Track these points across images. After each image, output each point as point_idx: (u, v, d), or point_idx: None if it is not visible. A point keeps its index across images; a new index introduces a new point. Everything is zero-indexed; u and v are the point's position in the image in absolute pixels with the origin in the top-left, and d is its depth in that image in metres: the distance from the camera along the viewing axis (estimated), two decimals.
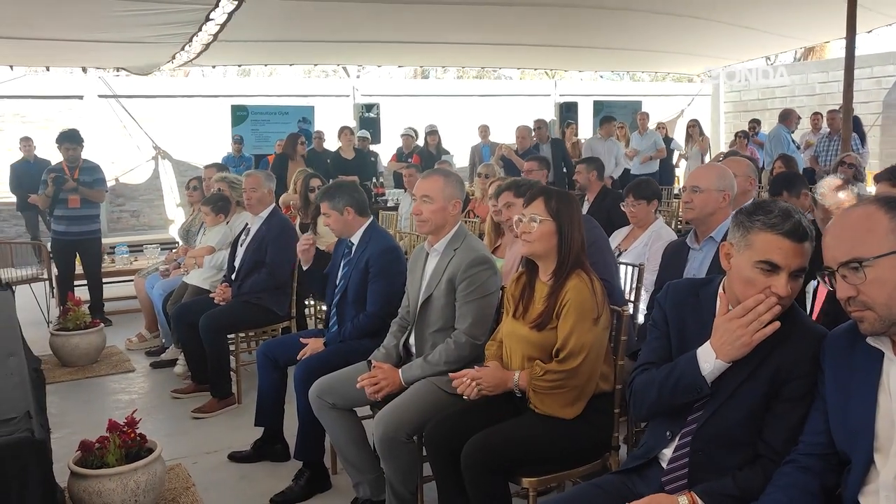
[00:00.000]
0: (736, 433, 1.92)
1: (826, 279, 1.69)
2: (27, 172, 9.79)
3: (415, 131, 10.99)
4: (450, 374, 2.76)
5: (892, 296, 1.61)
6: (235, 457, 3.97)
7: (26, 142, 10.34)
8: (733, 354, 1.88)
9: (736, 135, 11.29)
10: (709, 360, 1.91)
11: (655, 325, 2.16)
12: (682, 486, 1.95)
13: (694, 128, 11.46)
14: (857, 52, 7.43)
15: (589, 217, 3.57)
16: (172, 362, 5.55)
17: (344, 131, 9.61)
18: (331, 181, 5.67)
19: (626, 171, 10.50)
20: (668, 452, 2.03)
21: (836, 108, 9.20)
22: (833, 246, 1.67)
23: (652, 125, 11.54)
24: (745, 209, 1.95)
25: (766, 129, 11.94)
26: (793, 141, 10.28)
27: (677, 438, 2.00)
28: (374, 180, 9.81)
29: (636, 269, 3.71)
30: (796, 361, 1.86)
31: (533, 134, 9.72)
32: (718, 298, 2.02)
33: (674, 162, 11.96)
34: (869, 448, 1.67)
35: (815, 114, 10.85)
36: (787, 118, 10.32)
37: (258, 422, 3.98)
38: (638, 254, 4.17)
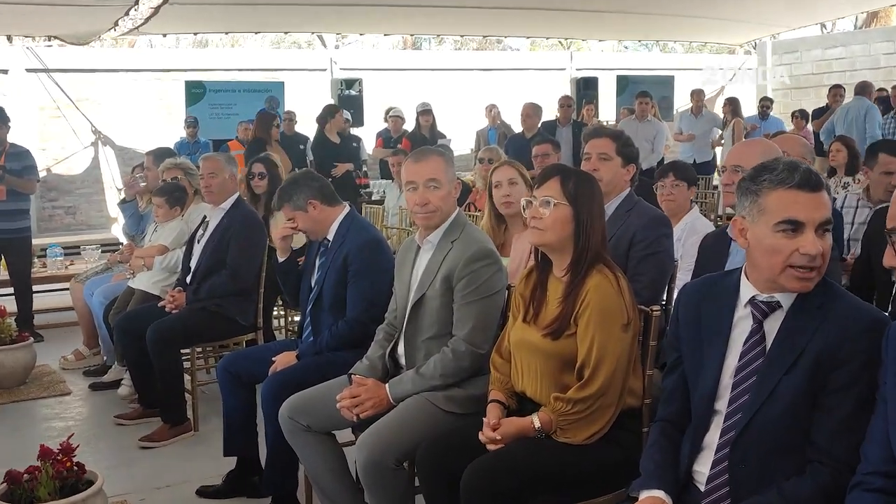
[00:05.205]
0: (781, 438, 1.95)
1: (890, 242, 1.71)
2: None
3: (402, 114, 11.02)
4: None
5: None
6: (204, 492, 3.97)
7: None
8: None
9: (792, 115, 11.35)
10: None
11: (670, 346, 2.25)
12: None
13: (727, 107, 11.55)
14: None
15: (664, 218, 3.52)
16: (116, 383, 5.54)
17: (335, 111, 9.59)
18: (303, 169, 5.68)
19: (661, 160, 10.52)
20: (703, 470, 2.06)
21: None
22: (893, 208, 1.69)
23: (685, 105, 11.57)
24: (748, 175, 2.03)
25: (814, 107, 11.95)
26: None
27: (714, 452, 2.03)
28: (358, 169, 9.82)
29: None
30: (839, 344, 1.91)
31: (556, 114, 9.74)
32: (742, 285, 2.07)
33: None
34: None
35: (880, 90, 10.90)
36: (868, 91, 10.21)
37: (227, 450, 3.99)
38: None
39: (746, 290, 2.06)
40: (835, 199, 4.76)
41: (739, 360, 2.03)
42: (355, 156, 9.73)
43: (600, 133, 3.60)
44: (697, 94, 11.36)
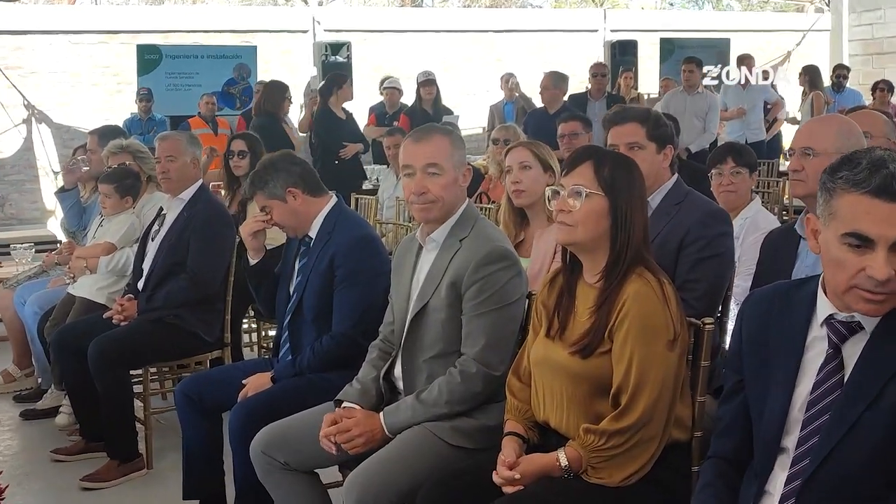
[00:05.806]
0: (860, 483, 1.94)
1: None
2: None
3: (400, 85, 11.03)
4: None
5: None
6: None
7: None
8: None
9: (874, 86, 11.32)
10: None
11: (730, 367, 2.23)
12: None
13: (803, 77, 11.50)
14: None
15: (722, 212, 3.47)
16: (53, 411, 5.55)
17: (342, 81, 9.58)
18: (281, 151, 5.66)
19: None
20: None
21: None
22: None
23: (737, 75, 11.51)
24: (832, 165, 1.99)
25: None
26: None
27: (777, 501, 2.02)
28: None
29: None
30: None
31: (587, 85, 9.74)
32: (818, 299, 2.05)
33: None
34: None
35: None
36: None
37: (188, 492, 4.00)
38: None
39: (823, 305, 2.03)
40: None
41: (812, 392, 2.01)
42: (361, 135, 9.74)
43: (624, 118, 3.48)
44: (747, 61, 11.31)
